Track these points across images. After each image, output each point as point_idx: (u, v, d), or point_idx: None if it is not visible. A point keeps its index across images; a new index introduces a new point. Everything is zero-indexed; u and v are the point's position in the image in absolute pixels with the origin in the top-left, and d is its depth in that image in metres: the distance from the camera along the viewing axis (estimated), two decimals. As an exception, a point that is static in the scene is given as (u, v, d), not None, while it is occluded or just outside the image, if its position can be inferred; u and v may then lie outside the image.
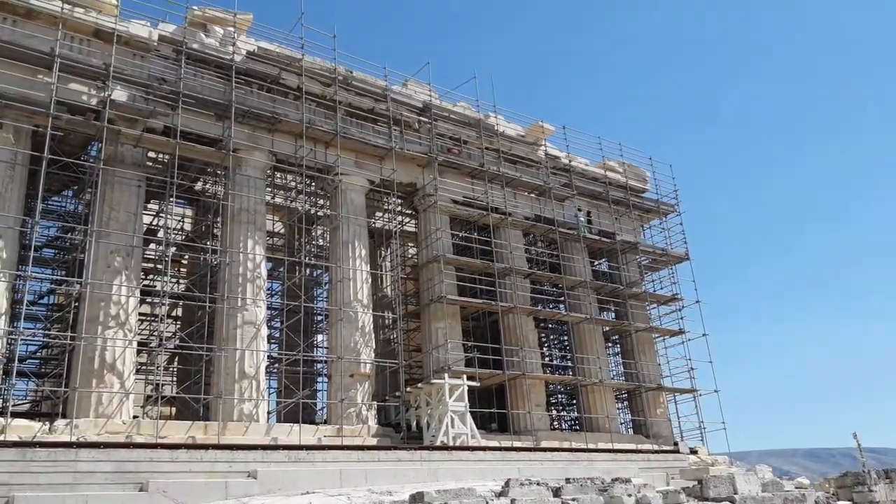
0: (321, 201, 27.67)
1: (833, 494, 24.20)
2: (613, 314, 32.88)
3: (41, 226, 21.82)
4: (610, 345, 33.41)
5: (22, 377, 20.31)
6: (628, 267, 32.42)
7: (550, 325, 33.57)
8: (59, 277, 22.92)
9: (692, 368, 30.97)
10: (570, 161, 31.84)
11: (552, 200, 30.25)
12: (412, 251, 31.26)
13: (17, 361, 17.53)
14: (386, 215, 29.15)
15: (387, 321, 29.39)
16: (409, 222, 30.64)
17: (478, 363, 25.23)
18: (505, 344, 26.67)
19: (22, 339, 19.88)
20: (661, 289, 33.51)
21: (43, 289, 23.98)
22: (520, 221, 29.43)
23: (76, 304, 19.66)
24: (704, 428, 30.20)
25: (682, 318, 32.01)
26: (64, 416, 17.70)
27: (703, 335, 31.44)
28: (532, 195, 30.69)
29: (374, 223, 28.79)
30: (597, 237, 31.55)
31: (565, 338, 32.61)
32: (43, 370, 22.72)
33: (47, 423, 17.29)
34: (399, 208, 28.78)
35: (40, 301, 24.02)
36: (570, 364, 30.99)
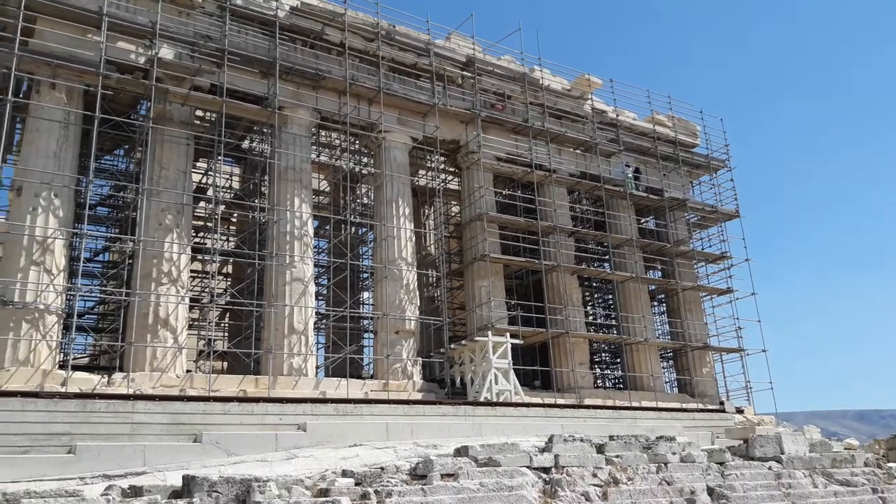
0: (365, 159, 27.72)
1: (883, 456, 23.81)
2: (660, 273, 32.45)
3: (95, 184, 22.32)
4: (655, 304, 33.06)
5: (81, 332, 21.10)
6: (676, 225, 31.84)
7: (595, 284, 33.33)
8: (113, 235, 23.54)
9: (740, 328, 30.56)
10: (617, 115, 31.16)
11: (598, 156, 29.72)
12: (455, 209, 31.20)
13: (76, 316, 18.19)
14: (429, 173, 29.06)
15: (430, 279, 29.55)
16: (452, 180, 30.52)
17: (521, 321, 25.27)
18: (548, 302, 26.60)
19: (80, 295, 20.58)
20: (710, 247, 32.90)
21: (98, 246, 24.70)
22: (564, 178, 29.04)
23: (130, 261, 20.23)
24: (751, 388, 29.89)
25: (730, 277, 31.46)
26: (121, 370, 18.37)
27: (752, 294, 30.92)
28: (577, 151, 30.20)
29: (417, 181, 28.74)
30: (644, 194, 30.98)
31: (610, 297, 32.36)
32: (100, 325, 23.56)
33: (105, 376, 17.97)
34: (442, 166, 28.66)
35: (96, 258, 24.76)
36: (614, 323, 30.80)
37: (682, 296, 30.58)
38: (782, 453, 17.66)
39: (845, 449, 21.83)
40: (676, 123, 32.96)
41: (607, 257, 30.22)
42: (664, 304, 33.15)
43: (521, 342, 24.60)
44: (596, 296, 34.28)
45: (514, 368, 23.46)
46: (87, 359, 23.92)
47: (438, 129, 25.57)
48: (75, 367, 18.25)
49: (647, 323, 29.15)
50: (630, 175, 30.93)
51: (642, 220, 32.85)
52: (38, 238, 18.01)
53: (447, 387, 23.74)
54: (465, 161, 27.79)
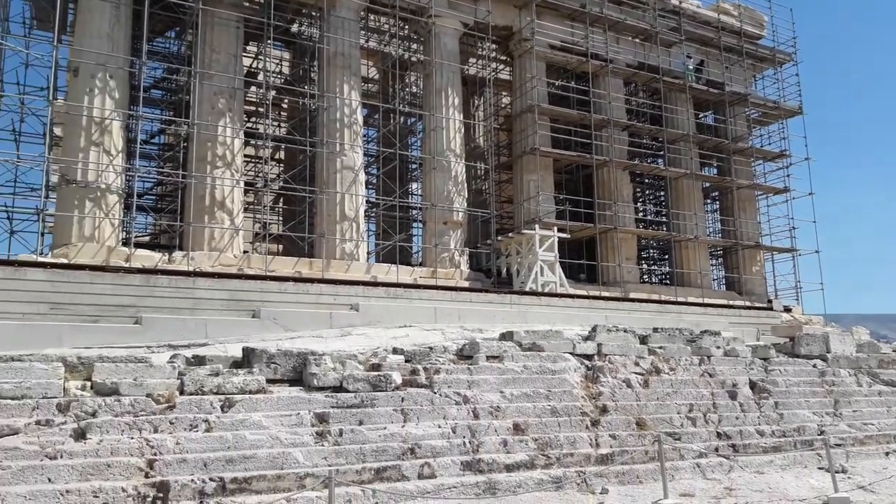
0: (414, 46, 27.07)
1: (932, 359, 23.60)
2: (715, 170, 31.64)
3: (148, 67, 22.43)
4: (709, 201, 32.48)
5: (141, 211, 21.86)
6: (735, 120, 30.69)
7: (647, 180, 32.76)
8: (167, 118, 23.84)
9: (794, 228, 29.97)
10: (680, 2, 29.53)
11: (658, 46, 28.44)
12: (506, 100, 30.55)
13: (136, 196, 18.77)
14: (479, 62, 28.31)
15: (479, 171, 29.40)
16: (503, 69, 29.69)
17: (569, 216, 25.18)
18: (598, 198, 26.34)
19: (138, 176, 21.16)
20: (769, 144, 31.79)
21: (154, 128, 25.10)
22: (621, 69, 28.00)
23: (185, 143, 20.56)
24: (801, 288, 29.61)
25: (788, 176, 30.54)
26: (181, 249, 19.10)
27: (809, 194, 30.11)
28: (636, 40, 28.93)
29: (467, 70, 28.06)
30: (704, 87, 29.77)
31: (662, 193, 31.84)
32: (159, 205, 24.31)
33: (166, 254, 18.72)
34: (493, 54, 27.84)
35: (152, 140, 25.22)
36: (664, 220, 30.45)
37: (737, 194, 29.92)
38: (828, 352, 17.64)
39: (893, 351, 21.71)
40: (742, 13, 31.17)
41: (661, 153, 29.50)
42: (717, 202, 32.55)
43: (569, 236, 24.60)
44: (647, 192, 33.76)
45: (560, 261, 23.62)
46: (147, 237, 24.85)
47: (490, 13, 24.69)
48: (137, 245, 19.02)
49: (698, 220, 28.74)
50: (691, 67, 29.64)
51: (700, 115, 31.76)
52: (95, 119, 18.37)
53: (493, 277, 24.11)
54: (518, 49, 26.93)
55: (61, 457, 8.11)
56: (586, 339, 15.03)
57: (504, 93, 30.68)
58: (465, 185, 24.65)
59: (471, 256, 24.57)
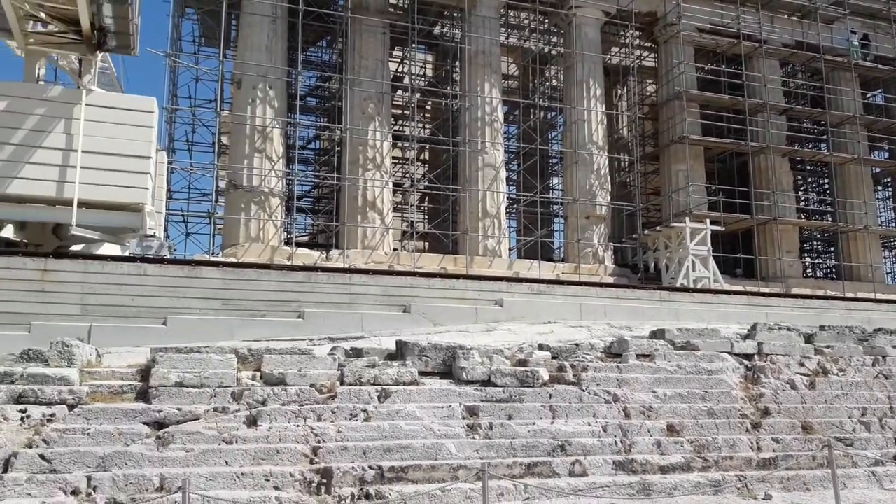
0: (554, 39, 26.85)
1: None
2: (887, 153, 28.93)
3: (303, 76, 23.82)
4: (880, 188, 29.82)
5: (300, 213, 23.32)
6: (910, 98, 27.92)
7: (809, 167, 30.53)
8: (322, 124, 25.24)
9: (985, 215, 26.82)
10: (843, -26, 27.28)
11: (818, 23, 26.37)
12: (651, 88, 29.56)
13: (295, 199, 20.08)
14: (622, 50, 27.58)
15: (623, 163, 28.69)
16: (647, 57, 28.74)
17: (722, 207, 23.98)
18: (754, 187, 24.88)
19: (297, 180, 22.59)
20: (952, 123, 28.63)
21: (310, 134, 26.68)
22: (777, 49, 26.24)
23: (338, 147, 21.67)
24: None
25: (976, 158, 27.37)
26: (336, 247, 20.21)
27: None
28: (793, 18, 27.00)
29: (609, 60, 27.42)
30: (872, 64, 27.29)
31: (825, 180, 29.57)
32: (316, 207, 25.81)
33: (323, 252, 19.86)
34: (637, 42, 27.01)
35: (308, 146, 26.80)
36: (829, 209, 28.25)
37: (914, 179, 27.23)
38: None
39: None
40: (920, -23, 28.23)
41: (824, 137, 27.38)
42: (890, 189, 29.74)
43: (722, 229, 23.45)
44: (809, 179, 31.49)
45: (713, 256, 22.56)
46: (306, 237, 26.45)
47: (634, 0, 23.99)
48: (297, 244, 20.33)
49: (868, 209, 26.43)
50: (856, 42, 27.25)
51: (868, 95, 29.15)
52: (258, 127, 19.80)
53: (640, 272, 23.47)
54: (663, 34, 25.97)
55: (236, 442, 8.83)
56: (745, 337, 14.29)
57: (649, 81, 29.72)
58: (609, 178, 24.16)
59: (615, 251, 24.04)
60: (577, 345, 13.14)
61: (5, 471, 7.81)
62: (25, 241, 14.26)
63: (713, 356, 12.96)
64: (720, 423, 11.09)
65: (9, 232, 13.67)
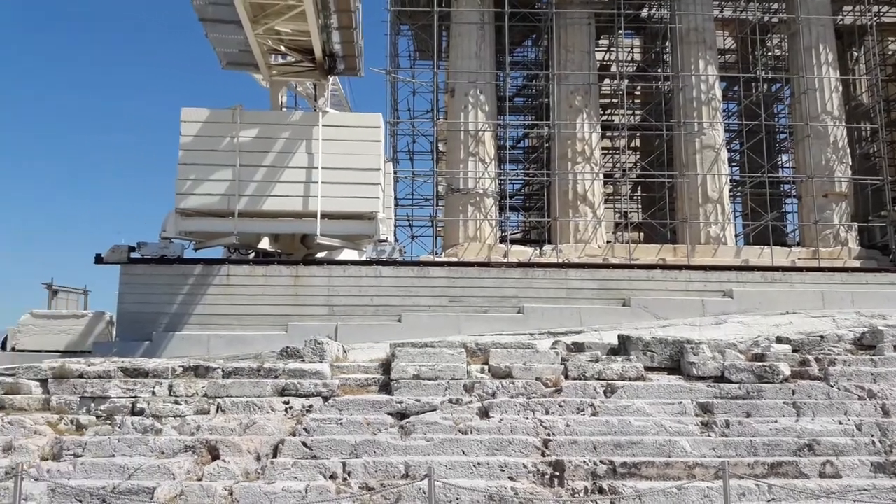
0: (775, 6, 24.71)
1: None
2: None
3: (511, 77, 24.29)
4: None
5: (513, 211, 23.85)
6: None
7: None
8: (530, 122, 25.59)
9: None
10: None
11: None
12: (893, 47, 26.09)
13: (508, 198, 20.60)
14: (856, 8, 24.64)
15: (864, 133, 25.66)
16: (887, 12, 25.37)
17: None
18: None
19: (509, 179, 23.14)
20: None
21: (519, 134, 27.14)
22: None
23: (547, 144, 21.85)
24: None
25: None
26: (549, 242, 20.42)
27: None
28: None
29: (840, 21, 24.63)
30: None
31: None
32: (527, 204, 26.23)
33: (537, 248, 20.17)
34: (876, -5, 23.98)
35: (518, 145, 27.30)
36: None
37: None
38: None
39: None
40: None
41: None
42: None
43: None
44: None
45: None
46: (519, 234, 26.99)
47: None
48: (512, 241, 20.85)
49: None
50: None
51: None
52: (471, 132, 20.61)
53: (892, 254, 20.89)
54: (909, -17, 22.86)
55: (471, 432, 9.32)
56: None
57: (891, 39, 26.26)
58: (847, 150, 21.83)
59: (860, 232, 21.65)
60: (821, 336, 12.20)
61: (275, 456, 8.96)
62: (279, 251, 16.15)
63: None
64: None
65: (265, 244, 15.58)
